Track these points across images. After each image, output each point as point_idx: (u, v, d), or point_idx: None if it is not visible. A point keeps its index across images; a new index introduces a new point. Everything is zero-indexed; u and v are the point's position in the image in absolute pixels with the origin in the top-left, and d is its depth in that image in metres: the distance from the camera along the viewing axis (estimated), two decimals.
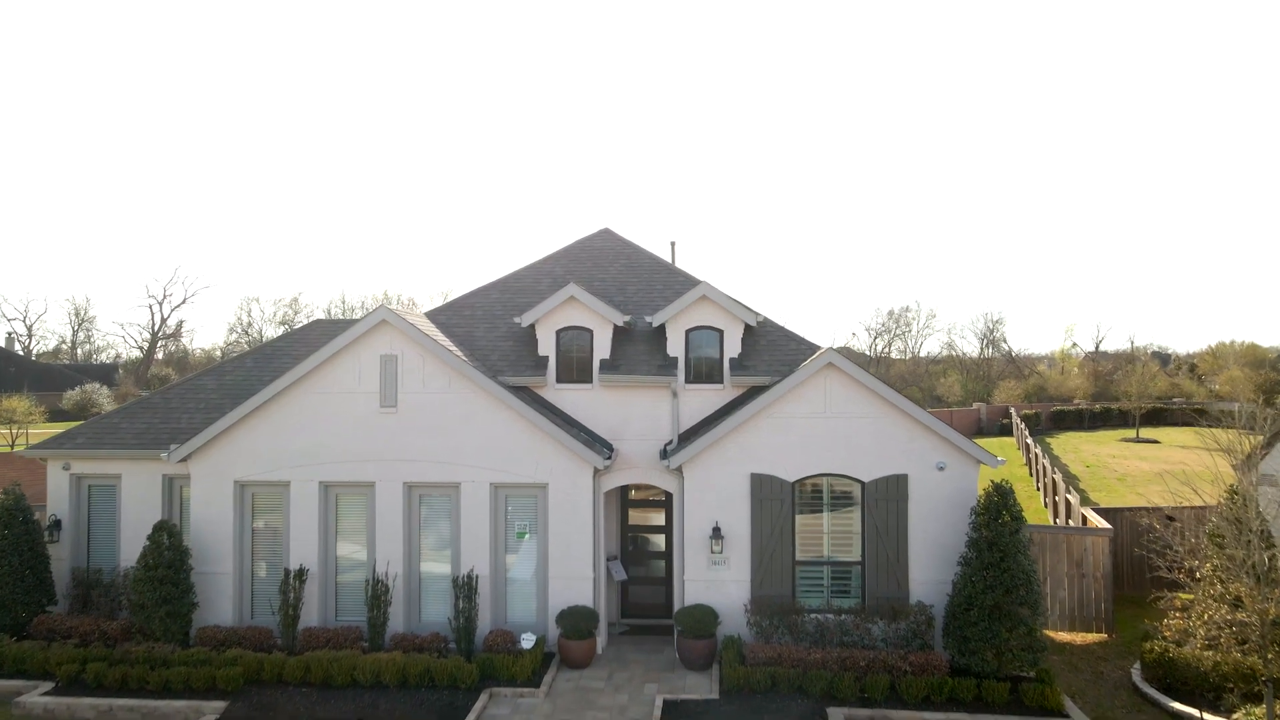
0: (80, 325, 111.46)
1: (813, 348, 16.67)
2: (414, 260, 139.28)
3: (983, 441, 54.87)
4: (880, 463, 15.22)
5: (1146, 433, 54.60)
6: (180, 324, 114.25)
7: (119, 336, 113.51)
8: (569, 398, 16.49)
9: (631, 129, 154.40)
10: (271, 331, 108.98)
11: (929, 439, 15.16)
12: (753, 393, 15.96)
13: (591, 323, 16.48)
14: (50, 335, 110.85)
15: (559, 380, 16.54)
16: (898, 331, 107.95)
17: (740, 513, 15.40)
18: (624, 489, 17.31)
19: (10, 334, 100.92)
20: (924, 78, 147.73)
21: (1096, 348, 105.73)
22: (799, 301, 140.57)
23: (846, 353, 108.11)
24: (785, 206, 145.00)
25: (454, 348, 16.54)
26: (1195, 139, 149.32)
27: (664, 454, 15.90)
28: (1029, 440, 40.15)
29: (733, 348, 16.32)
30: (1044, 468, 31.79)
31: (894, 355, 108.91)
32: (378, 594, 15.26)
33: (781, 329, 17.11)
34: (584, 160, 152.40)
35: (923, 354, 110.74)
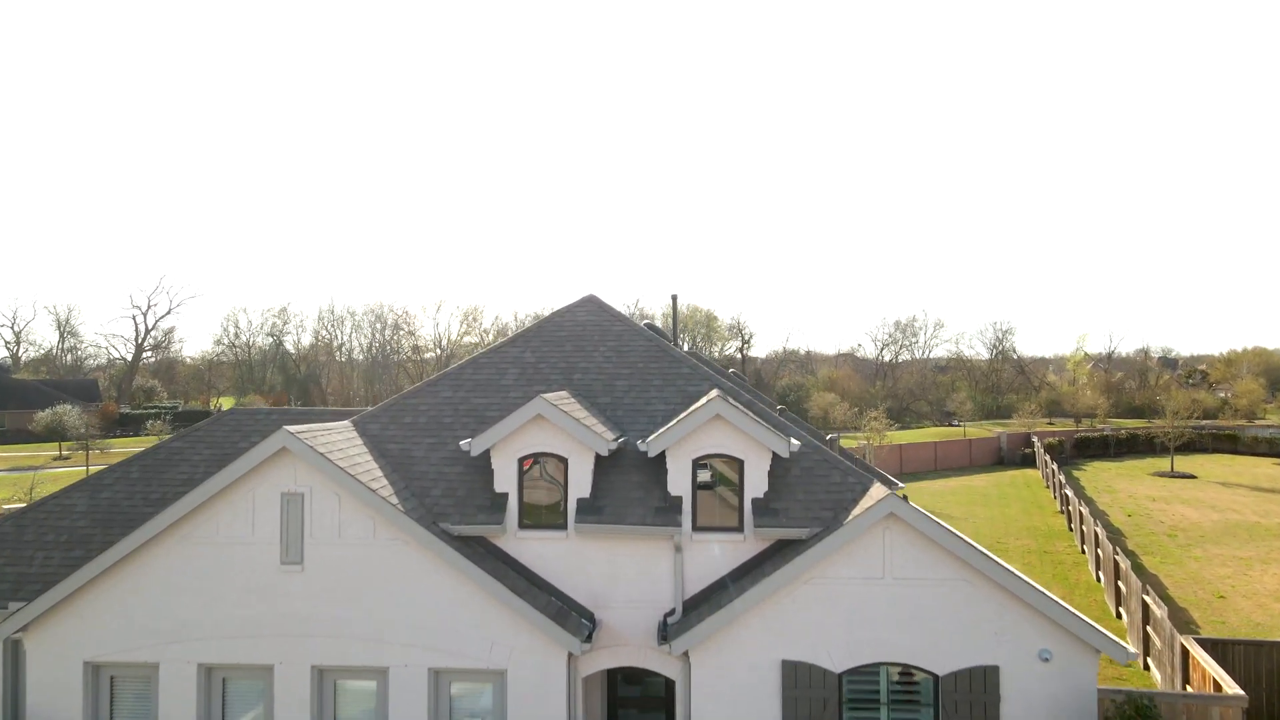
0: (63, 336, 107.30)
1: (862, 479, 12.46)
2: (410, 265, 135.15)
3: (1006, 473, 50.71)
4: (960, 649, 11.13)
5: (1178, 462, 50.64)
6: (170, 331, 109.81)
7: (103, 348, 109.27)
8: (536, 549, 12.27)
9: (633, 133, 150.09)
10: (261, 342, 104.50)
11: (1026, 616, 11.07)
12: (782, 547, 11.84)
13: (566, 449, 12.24)
14: (35, 345, 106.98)
15: (523, 526, 12.30)
16: (905, 342, 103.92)
17: (768, 714, 11.29)
18: None
19: None
20: (931, 85, 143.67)
21: (1109, 357, 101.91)
22: (805, 311, 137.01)
23: (852, 361, 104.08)
24: (790, 217, 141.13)
25: (383, 479, 12.38)
26: (1196, 144, 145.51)
27: (663, 629, 11.76)
28: (1067, 491, 35.99)
29: (757, 484, 12.09)
30: (1096, 534, 27.71)
31: (901, 359, 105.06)
32: None
33: (820, 453, 12.79)
34: (583, 165, 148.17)
35: (930, 356, 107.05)
